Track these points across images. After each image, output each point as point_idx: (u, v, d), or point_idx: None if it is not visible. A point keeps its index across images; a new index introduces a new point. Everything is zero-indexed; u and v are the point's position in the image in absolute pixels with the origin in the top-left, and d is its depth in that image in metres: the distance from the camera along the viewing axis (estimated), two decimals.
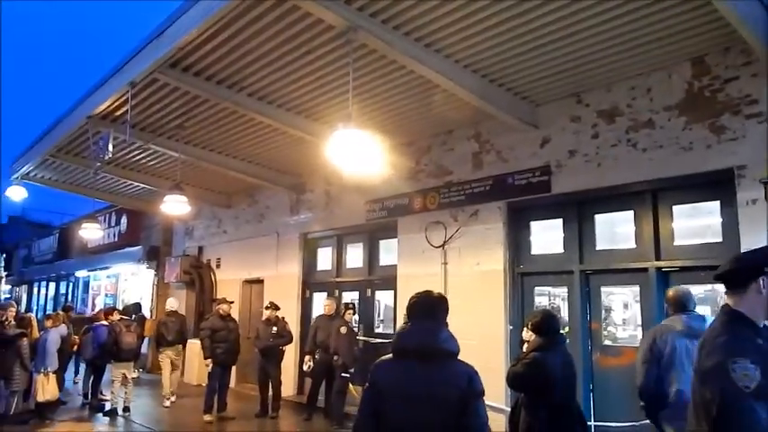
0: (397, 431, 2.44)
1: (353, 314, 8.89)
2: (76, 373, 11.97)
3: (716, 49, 5.70)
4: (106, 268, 18.12)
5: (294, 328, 9.68)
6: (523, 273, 7.43)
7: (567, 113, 6.95)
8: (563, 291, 7.12)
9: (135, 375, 9.75)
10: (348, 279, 10.23)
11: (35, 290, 26.19)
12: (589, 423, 6.17)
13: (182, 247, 14.68)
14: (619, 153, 6.43)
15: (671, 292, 4.38)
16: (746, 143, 5.46)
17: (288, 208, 11.23)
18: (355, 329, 9.03)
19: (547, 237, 7.39)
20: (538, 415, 3.80)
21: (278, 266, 11.30)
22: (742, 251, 5.07)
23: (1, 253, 31.75)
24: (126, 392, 9.32)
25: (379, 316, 9.68)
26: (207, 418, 8.71)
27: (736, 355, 1.97)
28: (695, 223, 6.23)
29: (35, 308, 24.49)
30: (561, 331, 4.37)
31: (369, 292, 9.73)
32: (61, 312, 10.22)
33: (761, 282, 2.10)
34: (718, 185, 5.75)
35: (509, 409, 4.45)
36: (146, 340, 12.53)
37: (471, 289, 7.46)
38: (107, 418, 9.04)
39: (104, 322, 9.64)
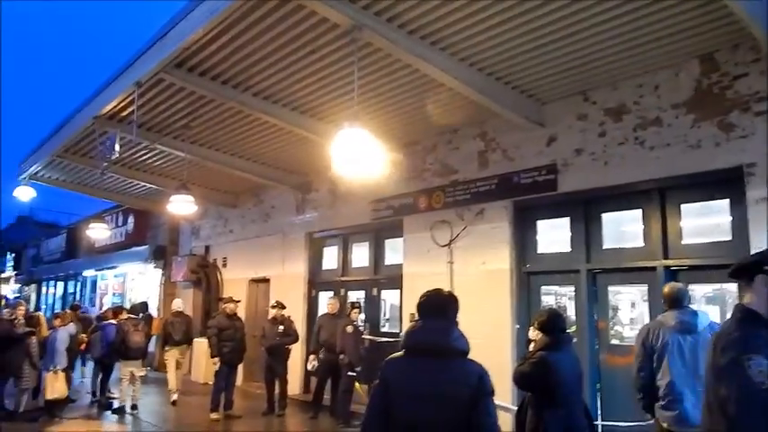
0: (406, 429, 2.43)
1: (359, 313, 8.89)
2: (82, 367, 12.03)
3: (725, 45, 5.64)
4: (113, 267, 18.23)
5: (300, 326, 9.69)
6: (530, 272, 7.40)
7: (574, 111, 6.90)
8: (569, 290, 7.08)
9: (143, 374, 9.78)
10: (354, 278, 10.23)
11: (44, 289, 26.37)
12: (596, 422, 6.15)
13: (188, 247, 14.72)
14: (626, 151, 6.38)
15: (666, 288, 4.46)
16: (756, 140, 5.40)
17: (293, 207, 11.23)
18: (361, 328, 9.02)
19: (553, 236, 7.35)
20: (544, 414, 3.78)
21: (284, 266, 11.31)
22: (751, 250, 5.06)
23: (10, 252, 31.96)
24: (134, 390, 9.36)
25: (384, 315, 9.68)
26: (214, 416, 8.74)
27: (750, 351, 1.96)
28: (704, 222, 6.18)
29: (44, 307, 24.64)
30: (568, 330, 4.35)
31: (374, 291, 9.72)
32: (69, 311, 10.29)
33: (761, 279, 2.09)
34: (727, 183, 5.70)
35: (515, 408, 4.43)
36: (153, 339, 12.56)
37: (477, 288, 7.43)
38: (115, 416, 9.09)
39: (113, 321, 9.69)
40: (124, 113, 8.31)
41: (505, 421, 5.85)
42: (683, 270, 6.05)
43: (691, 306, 4.39)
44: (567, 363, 3.89)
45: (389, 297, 9.54)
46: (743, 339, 2.02)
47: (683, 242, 6.12)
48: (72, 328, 9.33)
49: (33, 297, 26.89)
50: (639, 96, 6.35)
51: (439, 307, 2.65)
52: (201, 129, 8.84)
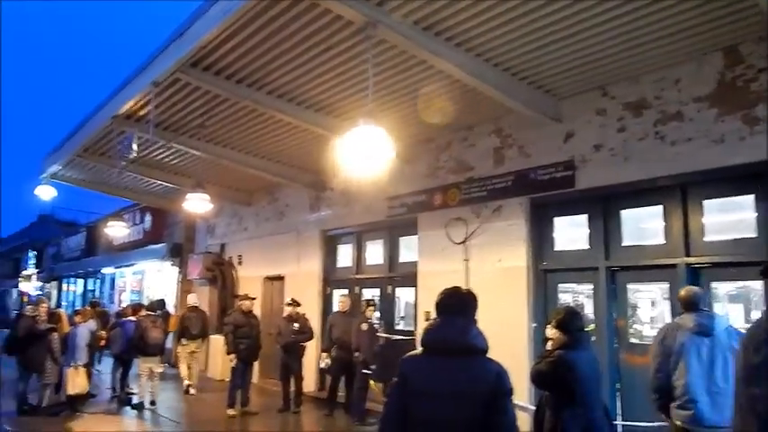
0: (424, 427, 2.42)
1: (374, 311, 8.87)
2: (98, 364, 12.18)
3: (749, 37, 5.49)
4: (132, 265, 18.41)
5: (315, 324, 9.69)
6: (547, 269, 7.31)
7: (592, 107, 6.79)
8: (587, 288, 6.98)
9: (161, 370, 9.90)
10: (368, 276, 10.20)
11: (64, 286, 26.74)
12: (616, 422, 6.07)
13: (204, 245, 14.82)
14: (646, 147, 6.27)
15: (683, 291, 4.54)
16: None
17: (308, 205, 11.24)
18: (376, 326, 9.00)
19: (571, 233, 7.26)
20: (562, 414, 3.72)
21: (299, 263, 11.33)
22: None
23: (32, 251, 32.46)
24: (152, 386, 9.47)
25: (399, 313, 9.64)
26: (230, 412, 8.80)
27: None
28: (727, 218, 6.05)
29: (64, 304, 24.98)
30: (586, 329, 4.29)
31: (389, 288, 9.69)
32: (89, 308, 10.42)
33: None
34: (751, 179, 5.57)
35: (533, 408, 4.38)
36: (170, 335, 12.71)
37: (493, 286, 7.36)
38: (135, 411, 9.22)
39: (132, 318, 9.80)
40: (141, 113, 8.39)
41: (523, 421, 5.82)
42: (706, 267, 5.92)
43: (707, 309, 4.48)
44: (586, 362, 3.83)
45: (404, 295, 9.50)
46: None
47: (705, 239, 5.99)
48: (92, 324, 9.47)
49: (54, 294, 27.27)
50: (660, 90, 6.22)
51: (457, 305, 2.64)
52: (217, 127, 8.88)
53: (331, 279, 10.92)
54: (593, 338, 5.81)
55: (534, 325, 7.10)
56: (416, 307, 8.76)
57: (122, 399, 9.74)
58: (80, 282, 24.71)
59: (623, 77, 6.48)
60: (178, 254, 15.27)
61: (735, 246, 5.75)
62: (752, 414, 1.91)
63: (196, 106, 8.11)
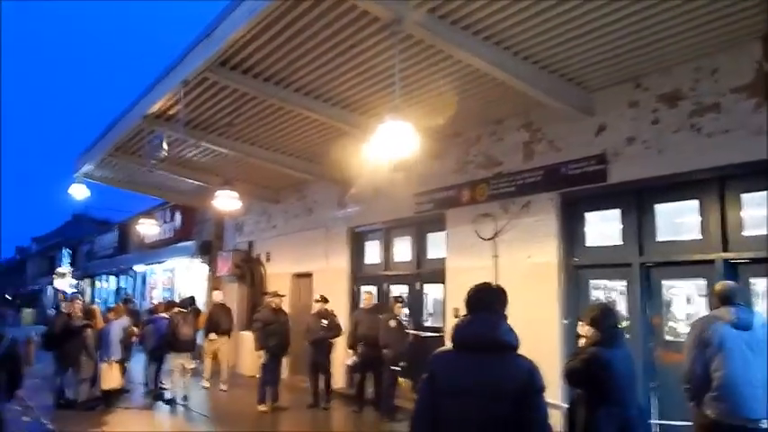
0: (454, 423, 2.39)
1: (403, 307, 8.84)
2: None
3: None
4: (162, 262, 18.72)
5: (343, 321, 9.71)
6: (578, 265, 7.18)
7: (625, 99, 6.65)
8: (620, 284, 6.84)
9: (192, 366, 10.03)
10: (396, 272, 10.18)
11: (98, 283, 27.30)
12: (652, 421, 5.95)
13: (233, 242, 14.97)
14: (681, 139, 6.10)
15: (718, 286, 4.51)
16: None
17: (335, 202, 11.26)
18: (404, 323, 8.98)
19: (603, 228, 7.12)
20: (597, 412, 3.67)
21: (327, 260, 11.36)
22: None
23: (67, 249, 33.23)
24: (185, 382, 9.59)
25: (427, 309, 9.60)
26: (261, 407, 8.88)
27: None
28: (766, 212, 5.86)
29: (98, 300, 25.50)
30: (620, 326, 4.21)
31: (417, 285, 9.65)
32: (122, 305, 10.60)
33: None
34: None
35: (564, 406, 4.33)
36: (199, 332, 12.91)
37: (523, 282, 7.26)
38: (167, 407, 9.35)
39: (164, 315, 9.95)
40: (171, 112, 8.49)
41: (555, 419, 5.74)
42: (744, 263, 5.75)
43: (743, 304, 4.41)
44: (621, 359, 3.78)
45: (432, 291, 9.45)
46: None
47: (743, 234, 5.80)
48: (125, 320, 9.65)
49: (88, 291, 27.88)
50: (695, 81, 6.06)
51: (487, 301, 2.61)
52: (244, 126, 8.94)
53: (359, 276, 10.92)
54: (626, 336, 5.69)
55: (565, 322, 6.99)
56: (445, 304, 8.70)
57: (155, 394, 9.89)
58: (113, 279, 25.21)
59: (657, 68, 6.32)
60: (207, 251, 15.45)
61: None
62: None
63: (224, 105, 8.17)
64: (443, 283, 8.70)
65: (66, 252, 33.41)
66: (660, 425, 5.92)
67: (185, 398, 9.52)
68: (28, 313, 34.47)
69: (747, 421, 4.03)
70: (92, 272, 27.33)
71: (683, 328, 6.25)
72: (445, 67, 6.49)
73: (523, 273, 7.41)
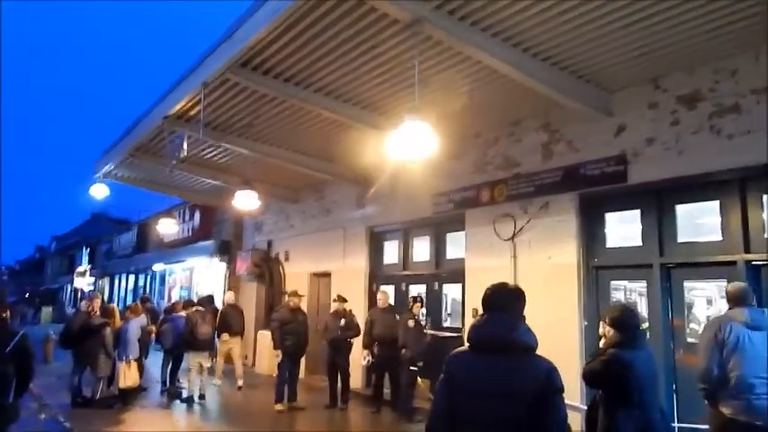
0: (471, 425, 2.37)
1: (421, 307, 8.86)
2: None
3: None
4: (181, 261, 18.80)
5: (361, 320, 9.74)
6: (598, 266, 7.16)
7: (644, 100, 6.63)
8: (640, 285, 6.82)
9: (209, 364, 10.11)
10: (415, 272, 10.20)
11: (116, 282, 27.54)
12: (673, 424, 5.91)
13: (251, 242, 15.06)
14: (701, 140, 6.08)
15: (731, 287, 4.66)
16: None
17: (354, 202, 11.29)
18: (423, 323, 8.99)
19: (623, 229, 7.09)
20: (618, 414, 3.65)
21: (345, 260, 11.41)
22: None
23: (86, 248, 33.64)
24: (201, 380, 9.65)
25: (446, 310, 9.60)
26: (278, 407, 8.90)
27: None
28: None
29: (116, 299, 25.75)
30: (641, 327, 4.20)
31: (436, 285, 9.66)
32: (140, 303, 10.70)
33: None
34: None
35: (584, 408, 4.31)
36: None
37: (543, 283, 7.26)
38: (184, 405, 9.39)
39: (182, 313, 10.01)
40: (192, 113, 8.55)
41: (574, 421, 5.74)
42: (767, 265, 5.71)
43: (755, 304, 4.55)
44: (643, 361, 3.74)
45: (451, 291, 9.46)
46: None
47: (766, 235, 5.76)
48: (143, 319, 9.70)
49: (107, 290, 28.13)
50: (715, 82, 6.03)
51: (505, 301, 2.57)
52: (264, 126, 9.00)
53: (377, 275, 10.95)
54: (647, 337, 5.67)
55: (585, 323, 6.97)
56: (464, 304, 8.71)
57: (172, 393, 9.94)
58: (131, 278, 25.42)
59: (676, 69, 6.31)
60: (226, 251, 15.55)
61: None
62: None
63: (244, 105, 8.23)
64: (462, 283, 8.70)
65: (85, 251, 33.77)
66: (681, 428, 5.88)
67: (202, 397, 9.59)
68: (47, 312, 34.96)
69: (763, 419, 4.13)
70: (110, 271, 27.59)
71: None
72: (464, 68, 6.50)
73: (543, 273, 7.40)
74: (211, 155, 10.81)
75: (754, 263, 5.76)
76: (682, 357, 6.27)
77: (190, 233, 18.05)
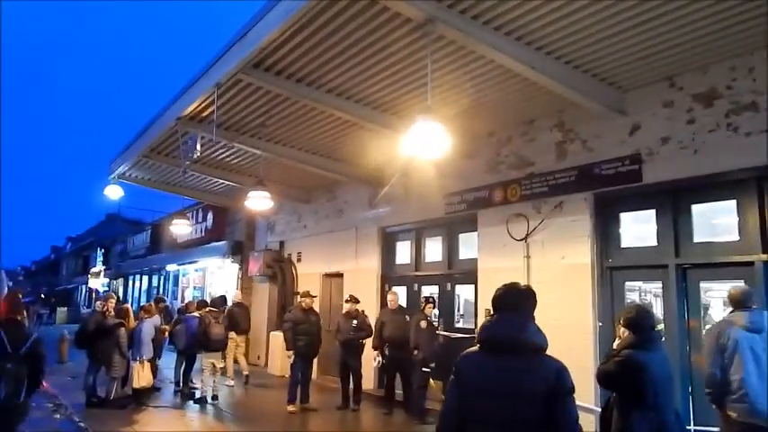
0: (482, 425, 2.36)
1: (433, 308, 8.83)
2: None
3: None
4: (194, 262, 18.87)
5: (374, 321, 9.73)
6: (613, 267, 7.10)
7: (659, 98, 6.57)
8: (655, 286, 6.75)
9: (222, 365, 10.13)
10: (427, 273, 10.17)
11: (130, 283, 27.73)
12: (688, 427, 5.85)
13: (264, 242, 15.10)
14: (718, 139, 6.01)
15: (732, 290, 4.77)
16: None
17: (366, 202, 11.29)
18: (435, 324, 8.96)
19: (638, 229, 7.04)
20: (632, 416, 3.61)
21: (357, 260, 11.40)
22: None
23: (100, 248, 33.91)
24: (214, 381, 9.67)
25: (459, 310, 9.57)
26: (290, 408, 8.89)
27: None
28: None
29: (130, 300, 25.91)
30: (656, 328, 4.15)
31: (448, 286, 9.63)
32: (154, 304, 10.76)
33: None
34: None
35: (598, 409, 4.28)
36: None
37: (556, 283, 7.22)
38: (197, 405, 9.40)
39: (196, 314, 10.04)
40: (204, 114, 8.59)
41: (588, 423, 5.68)
42: None
43: (756, 306, 4.68)
44: (658, 362, 3.70)
45: (464, 292, 9.43)
46: None
47: None
48: (157, 320, 9.75)
49: (121, 290, 28.32)
50: (732, 80, 5.96)
51: (515, 301, 2.56)
52: (277, 126, 9.02)
53: (390, 276, 10.93)
54: (663, 338, 5.61)
55: (600, 324, 6.91)
56: (476, 304, 8.68)
57: (185, 393, 9.96)
58: (145, 278, 25.58)
59: (692, 68, 6.25)
60: (239, 251, 15.60)
61: None
62: None
63: (257, 106, 8.27)
64: (475, 283, 8.67)
65: (99, 252, 34.04)
66: (697, 430, 5.81)
67: (215, 397, 9.60)
68: (62, 312, 35.28)
69: (765, 421, 4.24)
70: (125, 271, 27.77)
71: None
72: (477, 68, 6.48)
73: (556, 274, 7.35)
74: (224, 155, 10.86)
75: None
76: (697, 359, 6.18)
77: (203, 234, 18.15)
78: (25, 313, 5.44)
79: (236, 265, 15.71)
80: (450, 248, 9.72)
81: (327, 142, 9.63)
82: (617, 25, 5.45)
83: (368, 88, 7.30)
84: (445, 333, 9.15)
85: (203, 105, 8.30)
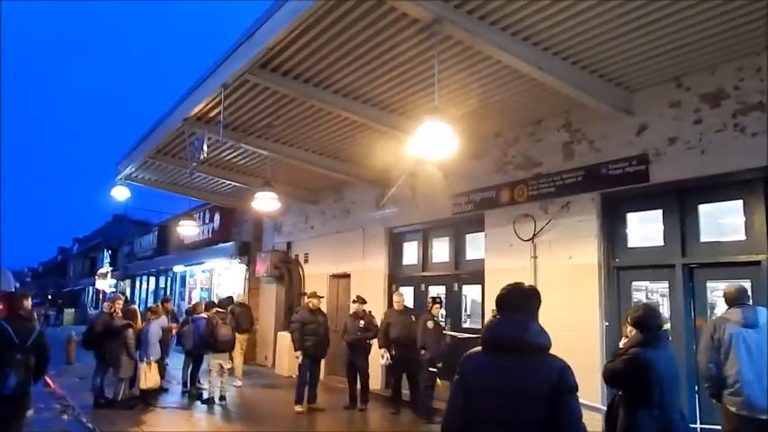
0: (486, 425, 2.36)
1: (440, 308, 8.84)
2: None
3: None
4: (201, 263, 18.89)
5: (380, 322, 9.75)
6: (619, 267, 7.10)
7: (666, 98, 6.57)
8: (661, 286, 6.75)
9: (229, 366, 10.16)
10: (434, 273, 10.18)
11: (137, 284, 27.81)
12: (695, 426, 5.84)
13: (271, 243, 15.14)
14: (725, 139, 6.00)
15: (727, 288, 4.97)
16: None
17: (373, 203, 11.30)
18: (442, 324, 8.97)
19: (645, 229, 7.03)
20: (638, 414, 3.62)
21: (364, 261, 11.42)
22: None
23: (107, 249, 34.04)
24: (222, 382, 9.69)
25: (466, 311, 9.58)
26: (298, 408, 8.91)
27: None
28: None
29: (137, 301, 25.98)
30: (663, 327, 4.16)
31: (455, 286, 9.64)
32: (161, 305, 10.81)
33: None
34: None
35: (605, 408, 4.28)
36: None
37: (563, 283, 7.22)
38: (205, 406, 9.42)
39: (204, 315, 10.08)
40: (211, 114, 8.63)
41: (595, 422, 5.68)
42: None
43: (750, 304, 4.89)
44: (665, 361, 3.71)
45: (470, 293, 9.43)
46: None
47: None
48: (164, 321, 9.77)
49: (128, 291, 28.40)
50: (739, 80, 5.95)
51: (518, 301, 2.55)
52: (284, 127, 9.05)
53: (397, 276, 10.95)
54: (669, 338, 5.60)
55: (606, 324, 6.91)
56: (483, 305, 8.68)
57: (193, 394, 9.98)
58: (152, 279, 25.64)
59: (699, 68, 6.24)
60: (246, 252, 15.63)
61: None
62: None
63: (264, 107, 8.30)
64: (482, 284, 8.68)
65: (106, 253, 34.15)
66: (704, 428, 5.80)
67: (222, 398, 9.62)
68: (69, 313, 35.44)
69: (763, 413, 4.44)
70: (132, 272, 27.83)
71: None
72: (484, 68, 6.50)
73: (563, 274, 7.36)
74: (231, 156, 10.89)
75: None
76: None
77: (210, 235, 18.19)
78: (35, 315, 5.88)
79: (244, 266, 15.73)
80: (458, 249, 9.74)
81: (334, 143, 9.66)
82: (624, 25, 5.46)
83: (375, 89, 7.32)
84: (452, 333, 9.18)
85: (210, 106, 8.34)
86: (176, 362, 11.12)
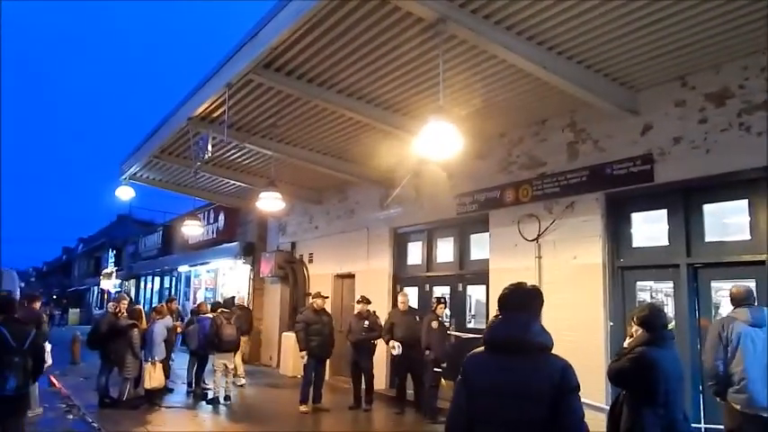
0: (489, 424, 2.37)
1: (445, 308, 8.84)
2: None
3: None
4: (206, 263, 18.92)
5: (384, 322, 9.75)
6: (624, 267, 7.09)
7: (671, 98, 6.55)
8: (666, 286, 6.74)
9: (233, 366, 10.17)
10: (439, 273, 10.19)
11: (142, 284, 27.87)
12: (699, 425, 5.83)
13: (275, 243, 15.16)
14: (730, 138, 5.99)
15: (734, 289, 5.02)
16: None
17: (378, 203, 11.31)
18: (446, 324, 8.97)
19: (649, 228, 7.02)
20: (642, 413, 3.63)
21: (369, 261, 11.43)
22: None
23: (112, 249, 34.13)
24: (227, 382, 9.70)
25: (470, 311, 9.58)
26: (303, 408, 8.92)
27: None
28: None
29: (142, 301, 26.04)
30: (668, 327, 4.17)
31: (460, 286, 9.64)
32: (165, 305, 10.83)
33: None
34: None
35: (606, 407, 4.29)
36: None
37: (568, 283, 7.22)
38: (210, 406, 9.44)
39: (209, 315, 10.10)
40: (215, 114, 8.64)
41: (599, 422, 5.67)
42: None
43: (756, 304, 4.92)
44: (669, 360, 3.72)
45: (475, 293, 9.44)
46: None
47: None
48: (169, 321, 9.80)
49: (133, 291, 28.47)
50: (744, 79, 5.94)
51: (520, 301, 2.55)
52: (288, 127, 9.06)
53: (401, 277, 10.95)
54: (674, 338, 5.60)
55: (611, 324, 6.90)
56: (488, 305, 8.69)
57: (198, 393, 10.00)
58: (157, 279, 25.70)
59: (704, 67, 6.23)
60: (250, 252, 15.65)
61: None
62: None
63: (268, 106, 8.31)
64: (486, 284, 8.68)
65: (111, 253, 34.23)
66: (708, 428, 5.79)
67: (227, 398, 9.62)
68: (74, 313, 35.54)
69: (765, 411, 4.49)
70: (136, 272, 27.88)
71: None
72: (488, 68, 6.50)
73: (568, 274, 7.35)
74: (235, 156, 10.91)
75: None
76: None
77: (214, 235, 18.20)
78: (45, 317, 6.00)
79: (248, 266, 15.76)
80: (462, 249, 9.73)
81: (339, 143, 9.66)
82: (629, 25, 5.45)
83: (379, 88, 7.32)
84: (457, 333, 9.18)
85: (214, 106, 8.35)
86: (181, 361, 11.13)
